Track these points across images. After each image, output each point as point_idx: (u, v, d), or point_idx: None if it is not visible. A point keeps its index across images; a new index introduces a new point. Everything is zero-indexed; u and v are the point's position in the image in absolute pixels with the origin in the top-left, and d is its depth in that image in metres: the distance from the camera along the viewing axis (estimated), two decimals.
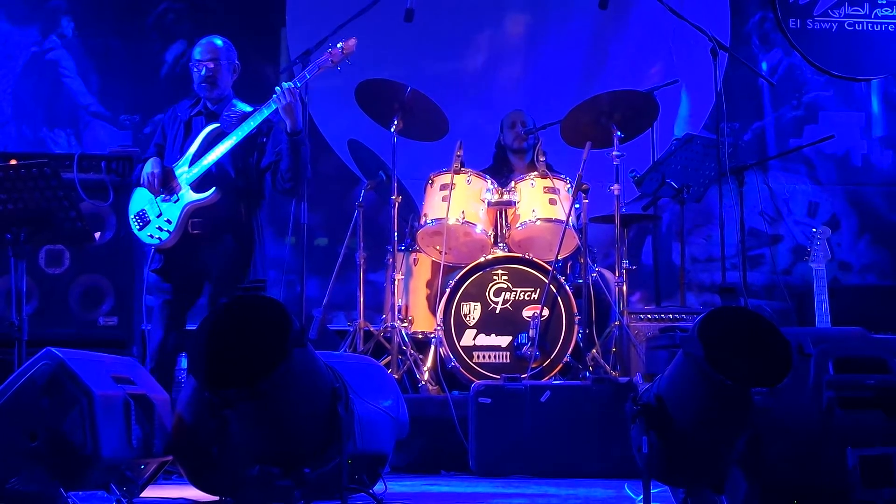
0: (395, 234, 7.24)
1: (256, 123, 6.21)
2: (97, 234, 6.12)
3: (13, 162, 5.57)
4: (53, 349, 4.29)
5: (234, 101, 6.46)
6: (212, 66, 6.39)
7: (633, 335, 7.06)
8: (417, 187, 7.78)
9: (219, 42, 6.48)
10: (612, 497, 5.08)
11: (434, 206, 7.21)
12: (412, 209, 7.90)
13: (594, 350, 6.92)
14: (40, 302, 6.76)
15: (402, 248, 7.43)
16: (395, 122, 7.24)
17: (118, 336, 6.62)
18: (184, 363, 7.02)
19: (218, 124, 6.32)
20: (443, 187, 7.20)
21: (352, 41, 6.31)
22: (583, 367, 6.83)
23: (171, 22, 9.44)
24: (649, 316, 7.28)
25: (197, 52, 6.47)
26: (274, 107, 6.17)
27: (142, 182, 6.25)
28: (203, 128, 6.34)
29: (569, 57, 9.61)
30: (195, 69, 6.44)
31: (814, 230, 7.54)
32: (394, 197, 7.19)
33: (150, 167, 6.25)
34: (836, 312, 7.30)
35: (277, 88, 6.18)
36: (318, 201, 8.25)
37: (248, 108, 6.36)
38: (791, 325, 8.14)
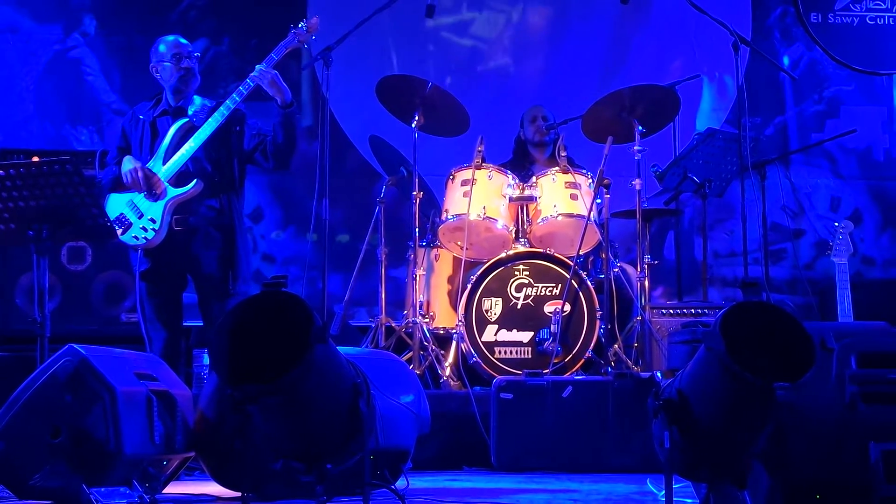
0: (417, 229, 7.24)
1: (230, 111, 6.20)
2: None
3: (35, 159, 5.60)
4: (76, 345, 4.30)
5: (194, 97, 6.46)
6: (186, 61, 6.39)
7: (654, 330, 7.04)
8: (438, 183, 7.78)
9: (183, 40, 6.48)
10: (635, 492, 5.06)
11: (455, 202, 7.20)
12: (433, 205, 7.90)
13: (616, 345, 6.91)
14: (62, 298, 6.80)
15: (424, 243, 7.43)
16: (416, 118, 7.24)
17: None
18: (206, 359, 7.04)
19: (186, 119, 6.31)
20: (464, 183, 7.20)
21: (314, 20, 6.39)
22: (604, 362, 6.83)
23: (193, 19, 9.46)
24: (671, 311, 7.27)
25: (166, 51, 6.40)
26: (245, 92, 6.18)
27: (125, 180, 6.18)
28: (170, 126, 6.31)
29: (590, 51, 9.60)
30: (170, 66, 6.37)
31: (836, 224, 7.52)
32: (415, 193, 7.19)
33: (130, 164, 6.18)
34: (859, 307, 7.28)
35: (255, 71, 6.21)
36: (340, 198, 8.24)
37: (209, 103, 6.39)
38: (813, 319, 8.11)
